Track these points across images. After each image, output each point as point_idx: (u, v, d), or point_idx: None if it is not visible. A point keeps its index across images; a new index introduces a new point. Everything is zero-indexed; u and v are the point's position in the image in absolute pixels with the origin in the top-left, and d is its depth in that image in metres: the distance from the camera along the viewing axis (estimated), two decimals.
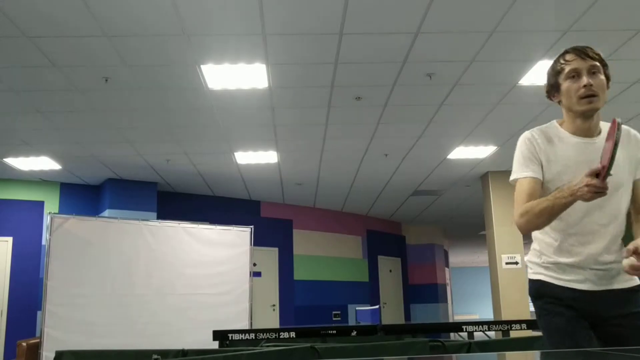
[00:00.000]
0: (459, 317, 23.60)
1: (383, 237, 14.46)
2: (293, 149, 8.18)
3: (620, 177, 2.03)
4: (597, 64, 2.04)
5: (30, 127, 6.93)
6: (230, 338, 5.55)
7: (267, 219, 11.66)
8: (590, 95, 2.00)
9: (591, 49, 2.07)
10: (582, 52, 2.05)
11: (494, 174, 9.81)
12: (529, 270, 2.21)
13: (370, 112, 6.78)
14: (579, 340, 1.98)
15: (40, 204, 9.46)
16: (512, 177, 2.12)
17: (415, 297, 15.34)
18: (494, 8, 4.54)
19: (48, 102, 6.15)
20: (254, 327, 9.22)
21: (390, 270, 14.70)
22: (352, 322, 12.18)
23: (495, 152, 8.57)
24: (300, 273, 12.02)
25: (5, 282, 8.99)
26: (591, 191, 1.80)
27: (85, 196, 9.82)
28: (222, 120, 6.89)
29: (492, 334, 8.01)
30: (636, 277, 2.01)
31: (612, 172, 1.81)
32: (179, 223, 8.80)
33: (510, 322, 5.97)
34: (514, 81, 5.99)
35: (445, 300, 16.68)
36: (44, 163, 8.47)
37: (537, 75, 5.78)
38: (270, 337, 5.63)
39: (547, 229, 2.08)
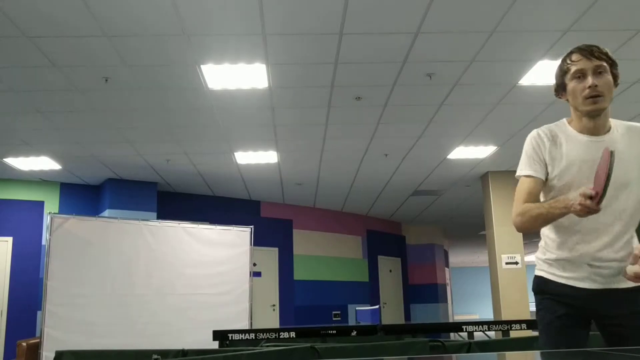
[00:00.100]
0: (459, 317, 23.60)
1: (383, 237, 14.46)
2: (293, 149, 8.18)
3: (627, 176, 2.03)
4: (603, 63, 2.04)
5: (30, 127, 6.93)
6: (230, 338, 5.55)
7: (267, 219, 11.66)
8: (595, 95, 2.01)
9: (598, 48, 2.06)
10: (587, 52, 2.04)
11: (494, 174, 9.81)
12: (535, 266, 2.23)
13: (370, 112, 6.78)
14: (568, 340, 2.01)
15: (40, 204, 9.46)
16: (516, 174, 2.17)
17: (415, 297, 15.34)
18: (494, 8, 4.54)
19: (48, 102, 6.15)
20: (254, 327, 9.22)
21: (390, 270, 14.70)
22: (352, 322, 12.18)
23: (495, 152, 8.57)
24: (300, 273, 12.02)
25: (5, 282, 8.99)
26: (584, 211, 1.84)
27: (85, 196, 9.82)
28: (222, 120, 6.89)
29: (492, 334, 8.01)
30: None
31: (616, 172, 1.83)
32: (179, 223, 8.80)
33: (510, 322, 5.97)
34: (514, 81, 5.99)
35: (445, 300, 16.68)
36: (44, 163, 8.47)
37: (537, 75, 5.78)
38: (270, 337, 5.63)
39: (552, 225, 2.09)
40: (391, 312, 14.29)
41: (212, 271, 8.79)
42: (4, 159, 8.22)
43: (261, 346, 4.75)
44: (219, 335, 5.59)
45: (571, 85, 2.07)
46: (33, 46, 4.90)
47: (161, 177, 9.53)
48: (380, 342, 5.28)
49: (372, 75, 5.72)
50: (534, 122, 7.11)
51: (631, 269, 1.83)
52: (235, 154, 8.30)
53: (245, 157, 8.50)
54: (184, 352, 4.18)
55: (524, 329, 6.01)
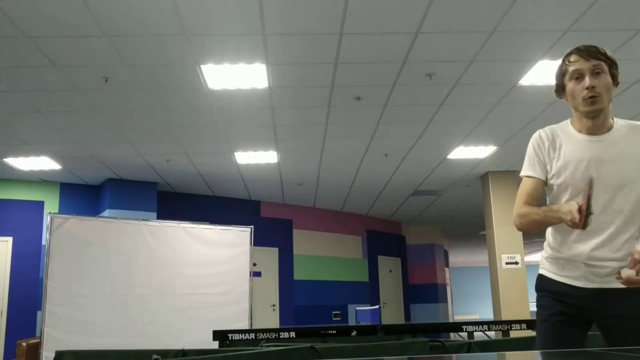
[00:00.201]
0: (459, 317, 23.60)
1: (383, 237, 14.46)
2: (293, 149, 8.18)
3: (624, 176, 2.03)
4: (601, 64, 2.04)
5: (30, 127, 6.93)
6: (230, 338, 5.55)
7: (267, 219, 11.66)
8: (592, 96, 2.02)
9: (596, 48, 2.06)
10: (585, 53, 2.05)
11: (494, 174, 9.81)
12: (539, 264, 2.27)
13: (370, 112, 6.78)
14: (560, 338, 2.04)
15: (40, 204, 9.46)
16: (520, 174, 2.23)
17: (415, 297, 15.34)
18: (494, 8, 4.54)
19: (48, 102, 6.15)
20: (254, 327, 9.22)
21: (390, 270, 14.70)
22: (352, 322, 12.17)
23: (495, 152, 8.57)
24: (300, 273, 12.02)
25: (5, 282, 8.99)
26: (573, 226, 1.90)
27: (85, 196, 9.82)
28: (222, 120, 6.89)
29: (492, 334, 8.01)
30: None
31: (613, 173, 1.91)
32: (179, 223, 8.80)
33: (510, 322, 5.97)
34: (514, 81, 5.99)
35: (445, 300, 16.68)
36: (44, 163, 8.47)
37: (537, 75, 5.78)
38: (270, 337, 5.63)
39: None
40: (391, 312, 14.29)
41: (212, 271, 8.79)
42: (4, 159, 8.22)
43: (261, 346, 4.75)
44: (219, 335, 5.59)
45: (570, 85, 2.09)
46: (33, 46, 4.89)
47: (161, 177, 9.53)
48: (380, 342, 5.28)
49: (372, 75, 5.72)
50: (534, 122, 7.11)
51: (625, 273, 1.84)
52: (235, 154, 8.30)
53: (245, 157, 8.50)
54: (184, 352, 4.18)
55: (524, 329, 6.01)
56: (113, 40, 4.84)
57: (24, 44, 4.86)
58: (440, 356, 3.61)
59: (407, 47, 5.14)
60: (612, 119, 2.12)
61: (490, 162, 9.18)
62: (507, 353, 3.45)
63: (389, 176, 9.99)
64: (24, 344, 7.50)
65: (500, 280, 9.54)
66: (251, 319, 9.10)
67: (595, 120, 2.07)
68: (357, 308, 11.70)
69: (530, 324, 5.96)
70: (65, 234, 7.77)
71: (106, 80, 5.63)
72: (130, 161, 8.53)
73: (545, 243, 2.21)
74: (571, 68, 2.07)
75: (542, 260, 2.22)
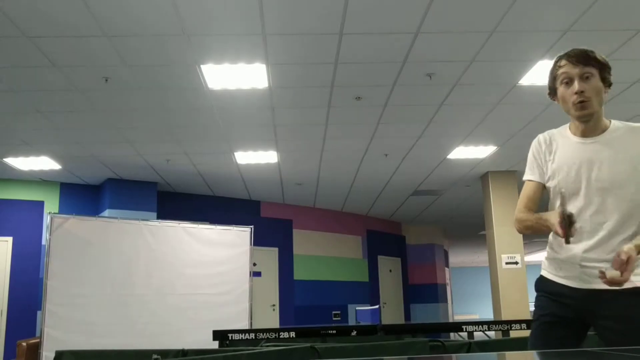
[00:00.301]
0: (459, 317, 23.60)
1: (383, 237, 14.46)
2: (293, 149, 8.18)
3: (616, 178, 2.04)
4: (590, 69, 2.06)
5: (30, 127, 6.93)
6: (230, 338, 5.55)
7: (267, 219, 11.66)
8: (582, 101, 2.05)
9: (586, 52, 2.08)
10: (574, 58, 2.08)
11: (494, 174, 9.81)
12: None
13: (370, 112, 6.78)
14: (547, 339, 2.09)
15: (40, 204, 9.47)
16: (523, 177, 2.30)
17: (415, 297, 15.34)
18: (494, 8, 4.54)
19: (48, 102, 6.15)
20: (254, 327, 9.22)
21: (390, 270, 14.70)
22: (352, 322, 12.18)
23: (495, 152, 8.57)
24: (300, 273, 12.02)
25: (5, 282, 9.00)
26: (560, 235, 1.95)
27: (85, 196, 9.82)
28: (222, 120, 6.89)
29: (492, 334, 8.01)
30: (631, 280, 1.96)
31: (603, 175, 1.98)
32: (179, 223, 8.81)
33: (510, 322, 5.97)
34: (514, 81, 5.98)
35: (445, 300, 16.68)
36: (44, 163, 8.47)
37: (537, 75, 5.78)
38: (270, 337, 5.63)
39: None
40: (391, 312, 14.29)
41: (212, 271, 8.79)
42: (4, 159, 8.22)
43: (261, 346, 4.75)
44: (219, 335, 5.59)
45: (560, 90, 2.12)
46: (33, 46, 4.90)
47: (161, 177, 9.53)
48: (380, 342, 5.28)
49: (372, 75, 5.72)
50: (534, 122, 7.11)
51: (610, 273, 1.84)
52: (235, 154, 8.30)
53: (245, 157, 8.50)
54: (184, 352, 4.18)
55: (524, 329, 6.01)
56: (113, 40, 4.84)
57: (24, 44, 4.86)
58: (440, 356, 3.61)
59: (407, 47, 5.14)
60: (609, 120, 2.13)
61: (490, 162, 9.18)
62: (507, 353, 3.45)
63: (389, 176, 9.99)
64: (24, 344, 7.50)
65: (500, 280, 9.54)
66: (251, 319, 9.11)
67: (587, 123, 2.10)
68: (357, 308, 11.70)
69: (530, 324, 5.94)
70: (65, 234, 7.77)
71: (106, 80, 5.63)
72: (130, 161, 8.53)
73: (548, 243, 2.24)
74: (561, 73, 2.10)
75: (543, 260, 2.25)
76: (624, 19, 4.75)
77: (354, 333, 5.69)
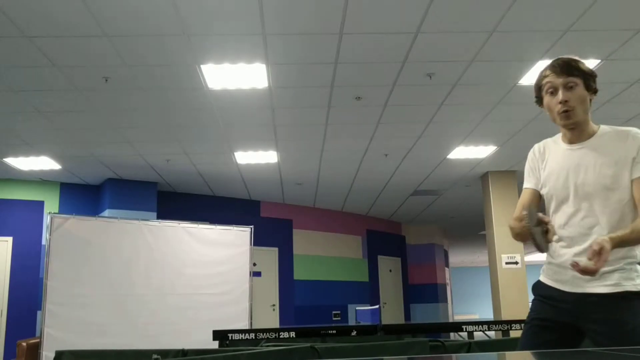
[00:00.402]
0: (459, 317, 23.60)
1: (383, 237, 14.46)
2: (293, 149, 8.18)
3: (601, 182, 2.06)
4: (574, 79, 2.09)
5: (30, 127, 6.93)
6: (230, 338, 5.55)
7: (267, 218, 11.66)
8: (566, 110, 2.09)
9: (569, 63, 2.11)
10: (558, 68, 2.11)
11: (494, 174, 9.81)
12: None
13: (370, 112, 6.78)
14: (533, 341, 2.12)
15: (40, 204, 9.47)
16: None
17: (415, 297, 15.34)
18: (494, 8, 4.54)
19: (48, 102, 6.15)
20: (254, 327, 9.22)
21: (390, 270, 14.70)
22: (352, 322, 12.18)
23: (495, 152, 8.57)
24: (300, 273, 12.02)
25: (5, 282, 9.00)
26: None
27: (85, 196, 9.83)
28: (222, 120, 6.89)
29: (492, 334, 8.01)
30: (620, 284, 1.99)
31: (588, 179, 2.05)
32: (179, 223, 8.81)
33: (510, 322, 5.97)
34: (514, 81, 5.99)
35: (445, 300, 16.68)
36: (44, 163, 8.47)
37: (537, 75, 5.77)
38: (270, 337, 5.63)
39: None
40: (391, 312, 14.29)
41: (212, 271, 8.79)
42: (4, 159, 8.22)
43: (261, 346, 4.75)
44: (219, 335, 5.59)
45: (546, 99, 2.17)
46: (33, 46, 4.89)
47: (161, 177, 9.53)
48: (380, 342, 5.28)
49: (372, 75, 5.72)
50: (534, 122, 7.10)
51: (582, 263, 1.86)
52: (235, 154, 8.30)
53: (245, 157, 8.50)
54: (184, 352, 4.18)
55: None
56: (113, 40, 4.84)
57: (24, 44, 4.86)
58: (440, 356, 3.61)
59: (407, 47, 5.14)
60: (598, 125, 2.16)
61: (490, 162, 9.18)
62: (507, 353, 3.45)
63: (389, 176, 9.99)
64: (24, 343, 7.50)
65: (500, 280, 9.54)
66: (251, 319, 9.11)
67: (573, 131, 2.14)
68: (357, 308, 11.70)
69: None
70: (65, 234, 7.77)
71: (106, 80, 5.63)
72: (130, 161, 8.53)
73: None
74: (546, 82, 2.15)
75: (543, 265, 2.28)
76: (624, 19, 4.75)
77: (354, 333, 5.69)
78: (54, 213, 7.98)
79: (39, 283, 8.81)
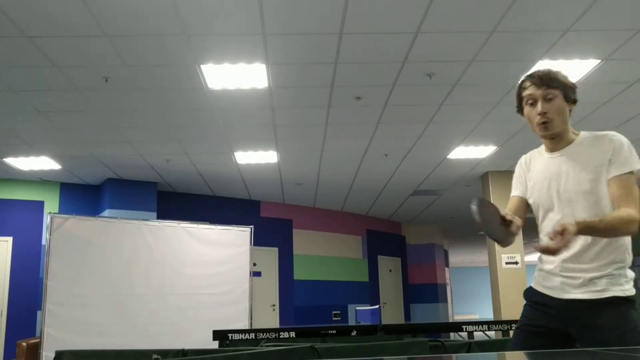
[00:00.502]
0: (459, 317, 23.60)
1: (383, 237, 14.46)
2: (293, 149, 8.18)
3: (580, 187, 2.08)
4: (553, 90, 2.11)
5: (30, 127, 6.93)
6: (230, 338, 5.55)
7: (267, 218, 11.66)
8: (544, 122, 2.12)
9: (548, 75, 2.14)
10: (537, 80, 2.14)
11: (494, 174, 9.81)
12: None
13: (370, 112, 6.78)
14: (522, 346, 2.15)
15: (40, 204, 9.47)
16: None
17: (415, 297, 15.34)
18: (494, 8, 4.54)
19: (48, 102, 6.15)
20: (254, 327, 9.22)
21: (390, 270, 14.70)
22: (352, 322, 12.18)
23: (495, 152, 8.57)
24: (300, 273, 12.02)
25: (5, 282, 9.00)
26: None
27: (85, 196, 9.83)
28: (222, 120, 6.89)
29: (492, 334, 8.01)
30: (607, 289, 2.00)
31: (567, 185, 2.08)
32: (179, 223, 8.81)
33: (510, 322, 5.97)
34: (514, 81, 5.98)
35: (445, 300, 16.68)
36: (44, 163, 8.47)
37: None
38: (270, 337, 5.63)
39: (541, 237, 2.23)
40: (391, 312, 14.29)
41: (212, 271, 8.79)
42: (4, 159, 8.22)
43: (261, 346, 4.75)
44: (219, 335, 5.59)
45: (526, 110, 2.20)
46: (33, 46, 4.89)
47: (161, 177, 9.53)
48: (380, 342, 5.28)
49: (372, 75, 5.72)
50: None
51: (544, 242, 1.90)
52: (235, 154, 8.30)
53: (245, 157, 8.50)
54: (184, 352, 4.18)
55: None
56: (113, 40, 4.84)
57: (24, 44, 4.86)
58: (440, 356, 3.61)
59: (407, 47, 5.14)
60: (578, 132, 2.19)
61: (490, 162, 9.18)
62: (507, 353, 3.45)
63: (389, 176, 9.99)
64: (24, 344, 7.50)
65: (500, 280, 9.54)
66: (251, 319, 9.11)
67: (552, 140, 2.18)
68: (357, 308, 11.70)
69: None
70: (65, 234, 7.77)
71: (106, 80, 5.63)
72: (130, 161, 8.54)
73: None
74: (525, 94, 2.17)
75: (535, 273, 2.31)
76: (624, 19, 4.75)
77: (354, 333, 5.69)
78: (54, 213, 7.98)
79: (39, 283, 8.81)
